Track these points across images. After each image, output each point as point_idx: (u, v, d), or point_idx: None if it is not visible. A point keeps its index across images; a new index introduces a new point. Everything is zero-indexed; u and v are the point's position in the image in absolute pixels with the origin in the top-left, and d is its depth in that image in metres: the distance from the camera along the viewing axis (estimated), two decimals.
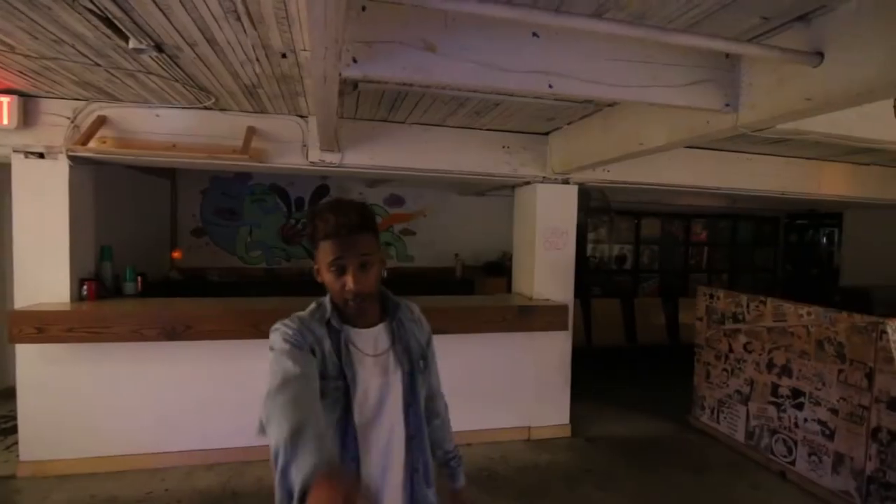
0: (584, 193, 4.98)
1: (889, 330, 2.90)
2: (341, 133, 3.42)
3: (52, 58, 2.39)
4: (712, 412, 4.26)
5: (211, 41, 2.14)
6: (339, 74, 1.77)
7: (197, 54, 2.30)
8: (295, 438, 0.91)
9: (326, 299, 1.30)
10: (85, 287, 3.31)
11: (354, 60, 1.75)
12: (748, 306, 3.93)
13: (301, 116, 3.45)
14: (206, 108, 3.24)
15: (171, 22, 1.96)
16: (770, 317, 3.73)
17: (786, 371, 3.58)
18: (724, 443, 4.06)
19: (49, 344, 3.07)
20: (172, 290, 4.70)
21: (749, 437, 3.88)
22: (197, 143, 3.29)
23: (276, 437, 0.93)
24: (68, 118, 3.16)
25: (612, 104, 3.01)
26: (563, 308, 3.82)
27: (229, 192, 5.79)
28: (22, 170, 3.12)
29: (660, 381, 5.64)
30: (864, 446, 3.03)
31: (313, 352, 1.20)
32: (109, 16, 1.91)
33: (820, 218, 7.39)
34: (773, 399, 3.68)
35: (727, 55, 2.11)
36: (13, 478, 3.15)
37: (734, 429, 4.02)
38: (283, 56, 2.31)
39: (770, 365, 3.71)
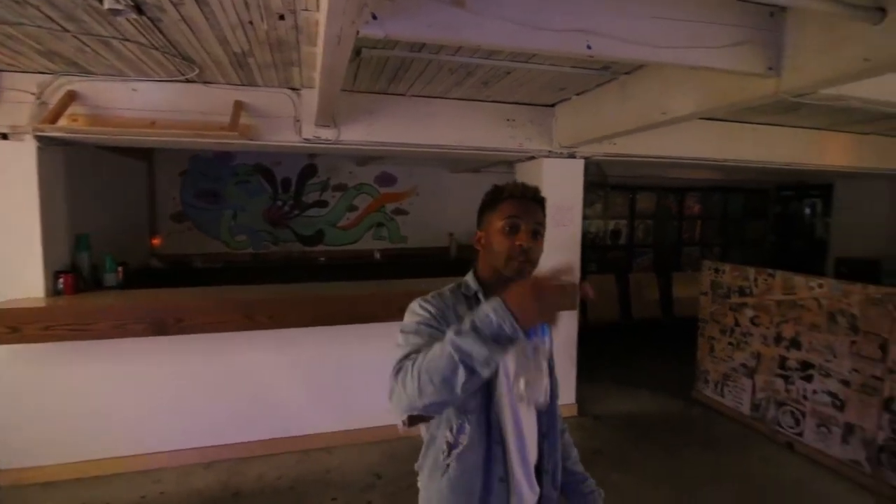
0: None
1: None
2: (337, 107, 3.18)
3: (13, 23, 2.08)
4: (716, 386, 4.26)
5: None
6: (357, 33, 1.55)
7: (182, 16, 2.03)
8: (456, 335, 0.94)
9: (470, 277, 1.28)
10: (61, 280, 3.04)
11: (374, 17, 1.54)
12: (756, 280, 3.89)
13: (293, 89, 3.18)
14: (188, 80, 2.95)
15: None
16: (779, 290, 3.69)
17: (795, 344, 3.57)
18: (729, 416, 4.07)
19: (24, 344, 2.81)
20: (155, 280, 4.43)
21: (754, 409, 3.88)
22: (179, 119, 3.00)
23: (428, 360, 0.96)
24: (34, 94, 2.83)
25: (629, 72, 2.84)
26: (571, 287, 3.70)
27: (210, 174, 5.46)
28: None
29: (658, 357, 5.66)
30: (877, 416, 3.04)
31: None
32: None
33: (806, 189, 7.45)
34: (780, 372, 3.67)
35: (771, 13, 1.96)
36: None
37: (739, 402, 4.02)
38: (281, 18, 2.06)
39: (778, 338, 3.69)
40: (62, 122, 2.78)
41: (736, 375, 4.06)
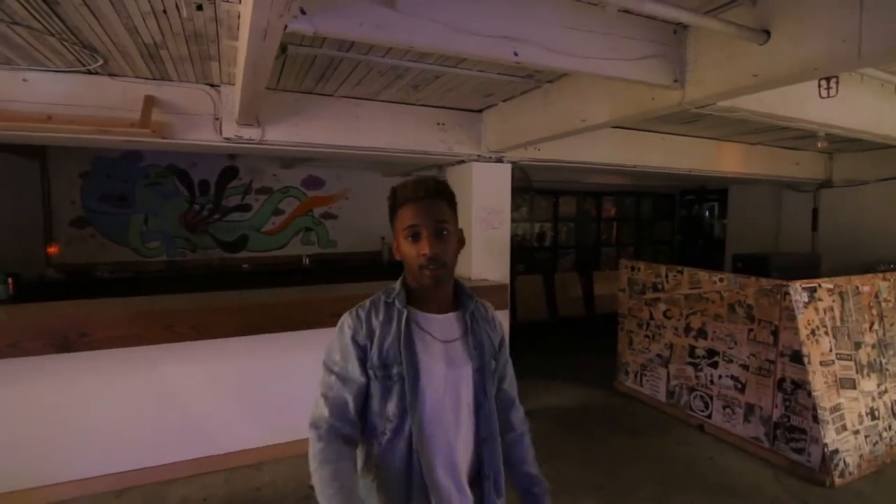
0: None
1: (791, 291, 3.25)
2: (261, 105, 3.05)
3: None
4: (636, 376, 4.56)
5: None
6: (285, 28, 1.50)
7: (84, 1, 1.86)
8: None
9: (397, 282, 1.25)
10: None
11: (303, 12, 1.50)
12: (667, 276, 4.21)
13: (212, 85, 3.02)
14: (90, 72, 2.70)
15: None
16: (687, 285, 4.03)
17: (702, 334, 3.91)
18: (648, 403, 4.37)
19: None
20: (54, 292, 3.99)
21: (670, 396, 4.20)
22: (81, 114, 2.74)
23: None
24: None
25: (551, 80, 2.98)
26: (502, 287, 3.82)
27: (117, 176, 5.01)
28: None
29: (583, 351, 5.95)
30: (771, 396, 3.40)
31: (365, 349, 1.17)
32: None
33: (706, 193, 8.21)
34: (690, 360, 4.01)
35: (675, 30, 2.15)
36: None
37: (656, 390, 4.33)
38: (199, 8, 1.95)
39: (687, 329, 4.02)
40: None
41: (652, 366, 4.37)
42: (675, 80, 2.16)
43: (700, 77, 2.12)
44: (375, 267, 5.85)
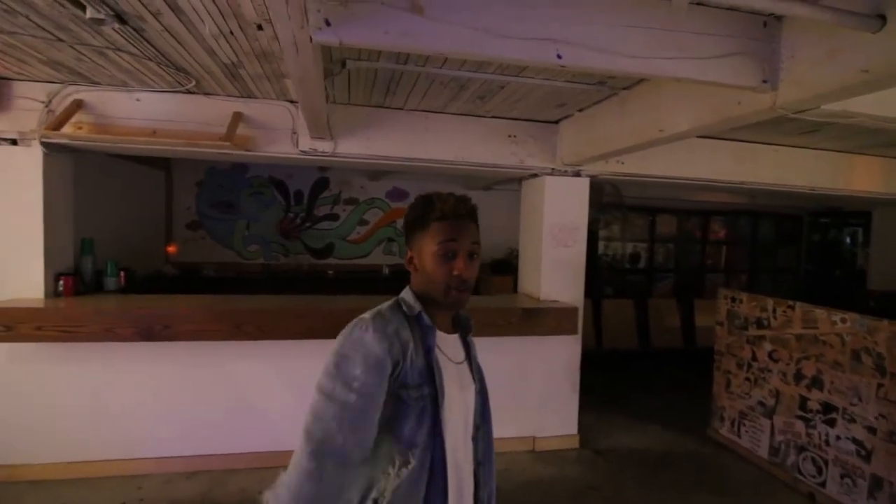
0: (596, 188, 4.70)
1: None
2: (333, 119, 3.18)
3: (8, 31, 2.17)
4: (732, 424, 3.95)
5: (175, 9, 1.89)
6: (311, 40, 1.52)
7: (163, 26, 2.06)
8: None
9: (409, 295, 1.16)
10: (61, 282, 3.12)
11: (327, 23, 1.50)
12: (774, 311, 3.61)
13: (290, 101, 3.21)
14: (188, 91, 3.01)
15: None
16: (799, 323, 3.42)
17: (816, 383, 3.27)
18: (746, 458, 3.76)
19: (18, 343, 2.88)
20: (164, 286, 4.52)
21: (773, 453, 3.57)
22: (179, 129, 3.06)
23: None
24: (42, 102, 2.95)
25: (628, 87, 2.72)
26: (572, 310, 3.54)
27: (226, 185, 5.59)
28: None
29: (675, 389, 5.34)
30: None
31: (396, 365, 1.04)
32: None
33: (844, 216, 7.01)
34: (801, 413, 3.37)
35: (765, 23, 1.82)
36: None
37: (757, 444, 3.72)
38: (259, 28, 2.06)
39: (798, 376, 3.40)
40: (67, 129, 2.88)
41: (753, 414, 3.76)
42: (765, 81, 1.83)
43: (797, 76, 1.77)
44: None
